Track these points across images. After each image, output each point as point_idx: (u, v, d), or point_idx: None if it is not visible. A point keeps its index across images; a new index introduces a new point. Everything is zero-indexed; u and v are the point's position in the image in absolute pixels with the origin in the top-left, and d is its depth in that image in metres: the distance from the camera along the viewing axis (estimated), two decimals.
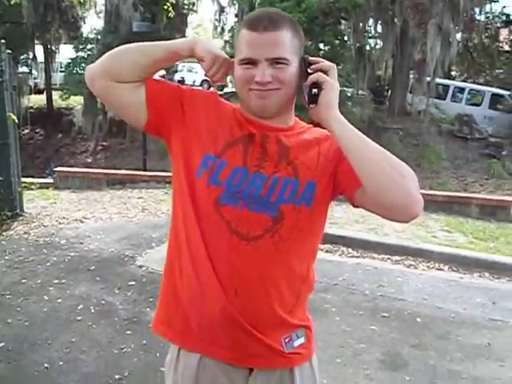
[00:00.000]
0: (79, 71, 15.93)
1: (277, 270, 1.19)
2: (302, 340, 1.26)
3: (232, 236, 1.16)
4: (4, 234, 5.55)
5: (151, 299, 3.66)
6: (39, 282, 4.10)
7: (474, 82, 19.33)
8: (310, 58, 1.20)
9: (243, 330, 1.18)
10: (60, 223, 5.96)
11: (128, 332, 3.29)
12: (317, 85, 1.15)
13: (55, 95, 17.18)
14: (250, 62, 1.15)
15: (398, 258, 4.94)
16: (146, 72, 1.21)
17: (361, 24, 15.21)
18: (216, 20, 20.65)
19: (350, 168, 1.14)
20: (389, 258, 4.94)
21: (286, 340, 1.23)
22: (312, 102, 1.17)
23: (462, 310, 3.83)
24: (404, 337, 3.38)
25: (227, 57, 1.21)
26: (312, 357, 1.31)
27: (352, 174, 1.14)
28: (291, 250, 1.20)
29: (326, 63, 1.18)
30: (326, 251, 5.07)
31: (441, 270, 4.73)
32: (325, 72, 1.16)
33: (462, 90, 16.93)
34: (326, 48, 14.37)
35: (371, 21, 15.93)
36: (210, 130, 1.21)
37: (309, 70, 1.18)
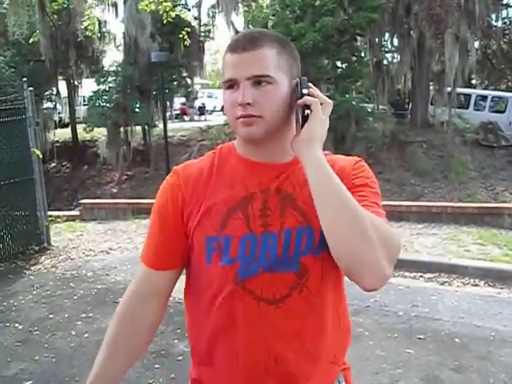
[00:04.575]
0: (101, 104, 16.22)
1: (313, 325, 1.10)
2: None
3: (259, 304, 1.06)
4: (32, 268, 5.61)
5: (179, 330, 3.60)
6: (66, 316, 4.10)
7: (495, 89, 19.01)
8: (309, 83, 1.08)
9: None
10: (87, 255, 6.00)
11: (156, 366, 3.23)
12: (309, 108, 1.05)
13: (79, 128, 17.51)
14: (232, 85, 1.07)
15: (430, 275, 4.78)
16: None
17: (377, 39, 15.18)
18: None
19: None
20: (421, 276, 4.79)
21: None
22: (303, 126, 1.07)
23: (502, 328, 3.65)
24: (442, 359, 3.22)
25: None
26: None
27: None
28: (324, 302, 1.10)
29: (322, 97, 1.06)
30: None
31: (476, 285, 4.56)
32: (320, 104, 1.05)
33: (484, 97, 16.64)
34: (344, 65, 14.36)
35: (387, 35, 15.91)
36: (204, 211, 1.10)
37: (304, 91, 1.05)
